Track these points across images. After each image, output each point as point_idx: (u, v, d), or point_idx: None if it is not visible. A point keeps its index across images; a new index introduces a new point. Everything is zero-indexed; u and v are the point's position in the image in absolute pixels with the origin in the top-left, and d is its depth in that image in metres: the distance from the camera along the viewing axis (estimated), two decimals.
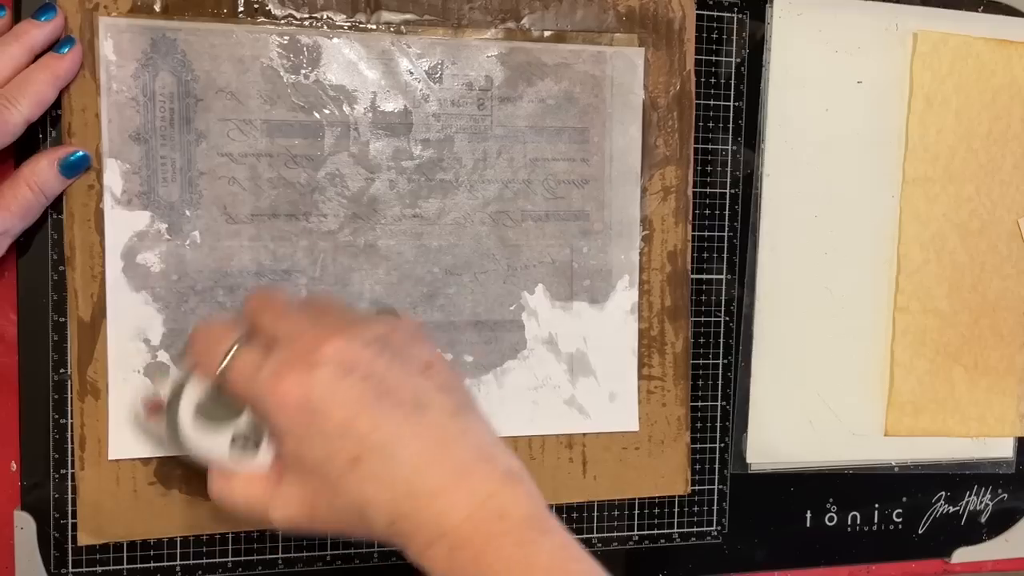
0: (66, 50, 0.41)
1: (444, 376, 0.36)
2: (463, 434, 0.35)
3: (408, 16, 0.46)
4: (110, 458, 0.44)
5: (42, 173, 0.41)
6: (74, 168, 0.42)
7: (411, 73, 0.46)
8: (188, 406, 0.37)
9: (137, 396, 0.40)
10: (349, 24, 0.45)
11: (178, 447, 0.38)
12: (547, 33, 0.48)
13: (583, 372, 0.49)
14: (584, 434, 0.50)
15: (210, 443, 0.37)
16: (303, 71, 0.45)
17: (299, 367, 0.34)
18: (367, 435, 0.33)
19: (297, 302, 0.39)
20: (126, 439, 0.44)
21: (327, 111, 0.45)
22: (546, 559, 0.33)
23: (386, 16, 0.46)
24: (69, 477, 0.44)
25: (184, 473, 0.45)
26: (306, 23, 0.45)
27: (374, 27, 0.46)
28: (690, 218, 0.51)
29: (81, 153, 0.42)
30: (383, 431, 0.34)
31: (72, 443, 0.43)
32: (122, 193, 0.43)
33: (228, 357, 0.36)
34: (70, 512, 0.44)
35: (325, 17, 0.45)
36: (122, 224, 0.43)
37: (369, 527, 0.34)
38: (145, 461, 0.44)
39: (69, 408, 0.43)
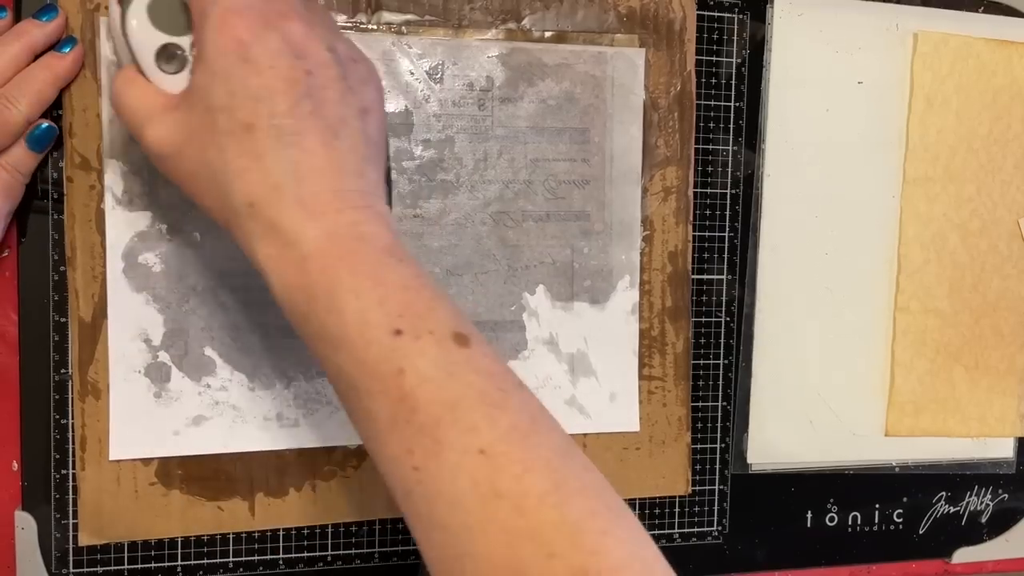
0: (67, 50, 0.41)
1: (374, 128, 0.36)
2: (357, 175, 0.34)
3: (409, 16, 0.46)
4: (111, 458, 0.44)
5: (11, 151, 0.40)
6: (40, 140, 0.41)
7: (412, 73, 0.46)
8: (141, 3, 0.36)
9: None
10: (350, 24, 0.45)
11: (116, 31, 0.37)
12: (548, 33, 0.48)
13: (584, 372, 0.49)
14: (585, 434, 0.49)
15: (144, 39, 0.36)
16: None
17: (260, 17, 0.33)
18: (274, 114, 0.33)
19: None
20: (127, 439, 0.44)
21: None
22: (398, 278, 0.32)
23: (387, 16, 0.46)
24: (70, 477, 0.43)
25: (185, 474, 0.44)
26: None
27: (375, 27, 0.45)
28: (691, 218, 0.50)
29: (46, 125, 0.41)
30: (290, 121, 0.33)
31: (73, 443, 0.43)
32: (123, 193, 0.43)
33: None
34: (71, 512, 0.44)
35: None
36: (123, 224, 0.43)
37: (223, 199, 0.33)
38: (146, 462, 0.44)
39: (70, 408, 0.43)
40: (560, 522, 0.29)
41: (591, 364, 0.49)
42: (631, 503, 0.51)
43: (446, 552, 0.30)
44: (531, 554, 0.28)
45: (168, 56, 0.36)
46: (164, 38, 0.36)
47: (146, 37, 0.36)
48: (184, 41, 0.36)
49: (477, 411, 0.30)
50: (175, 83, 0.36)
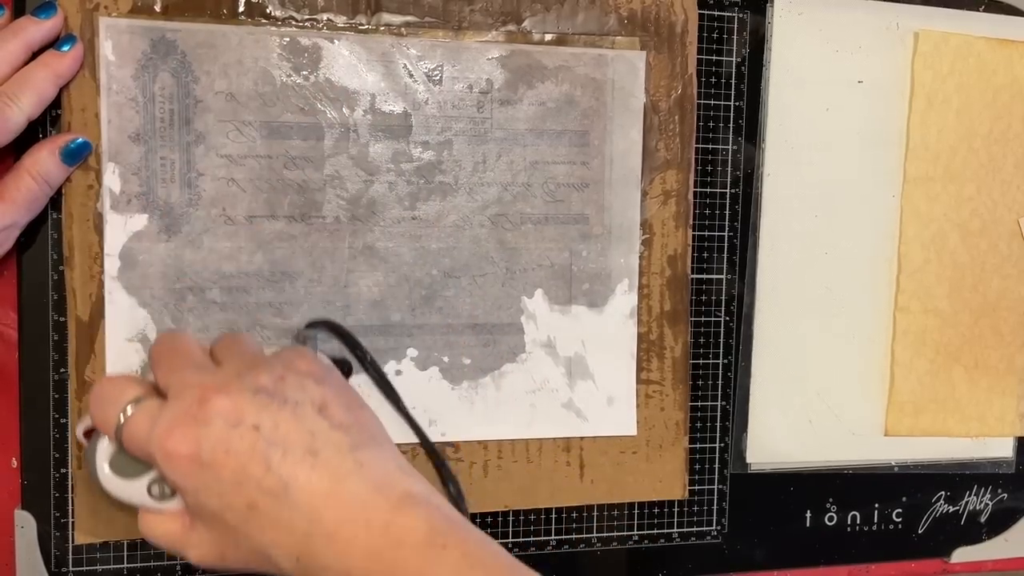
0: (67, 48, 0.40)
1: (340, 414, 0.36)
2: (358, 469, 0.35)
3: (409, 18, 0.45)
4: None
5: (44, 163, 0.40)
6: (75, 155, 0.41)
7: (411, 75, 0.45)
8: (103, 460, 0.37)
9: (78, 426, 0.40)
10: (349, 26, 0.44)
11: (103, 489, 0.38)
12: (548, 36, 0.47)
13: (581, 376, 0.48)
14: (582, 438, 0.49)
15: (129, 491, 0.37)
16: (303, 73, 0.44)
17: (186, 423, 0.34)
18: (260, 481, 0.33)
19: (195, 346, 0.38)
20: None
21: (327, 113, 0.44)
22: (447, 573, 0.33)
23: (386, 18, 0.45)
24: (69, 476, 0.43)
25: None
26: (306, 25, 0.44)
27: (374, 29, 0.45)
28: (690, 222, 0.50)
29: (81, 140, 0.41)
30: (275, 476, 0.34)
31: (70, 442, 0.43)
32: (121, 193, 0.42)
33: (123, 415, 0.35)
34: (71, 511, 0.43)
35: (325, 19, 0.44)
36: (121, 224, 0.42)
37: (278, 567, 0.35)
38: None
39: (69, 407, 0.43)
40: None
41: (589, 368, 0.48)
42: (630, 503, 0.50)
43: None
44: None
45: (155, 491, 0.37)
46: (142, 482, 0.36)
47: (128, 489, 0.37)
48: (156, 473, 0.36)
49: None
50: (179, 503, 0.36)
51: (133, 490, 0.37)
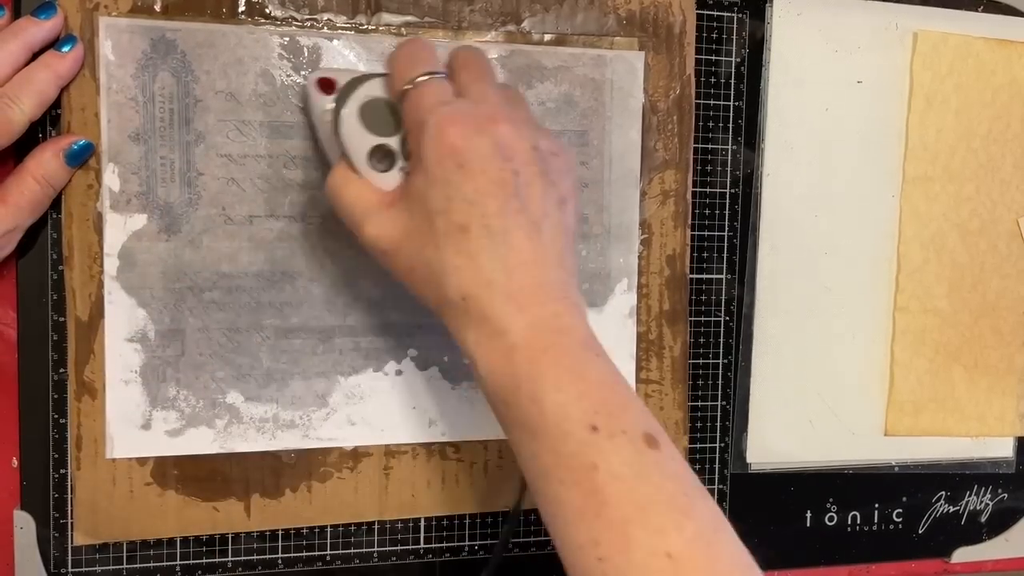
0: (67, 49, 0.40)
1: (571, 217, 0.37)
2: (558, 266, 0.36)
3: (409, 18, 0.45)
4: (106, 458, 0.43)
5: (47, 165, 0.40)
6: (78, 156, 0.41)
7: None
8: (357, 100, 0.38)
9: (312, 74, 0.40)
10: (349, 26, 0.44)
11: (325, 133, 0.39)
12: (547, 36, 0.47)
13: None
14: None
15: (356, 140, 0.38)
16: (303, 72, 0.44)
17: (472, 124, 0.35)
18: (487, 215, 0.34)
19: (495, 78, 0.40)
20: (123, 439, 0.43)
21: None
22: (596, 376, 0.34)
23: (387, 18, 0.45)
24: (69, 477, 0.42)
25: (180, 474, 0.44)
26: (306, 24, 0.44)
27: (374, 29, 0.44)
28: (689, 222, 0.49)
29: (84, 141, 0.41)
30: (501, 220, 0.35)
31: (68, 443, 0.42)
32: (121, 193, 0.42)
33: (423, 78, 0.37)
34: (70, 512, 0.43)
35: (325, 19, 0.44)
36: (120, 224, 0.42)
37: (439, 291, 0.35)
38: (141, 462, 0.43)
39: (69, 407, 0.42)
40: None
41: None
42: None
43: None
44: None
45: (380, 155, 0.38)
46: (376, 139, 0.38)
47: (359, 139, 0.38)
48: (393, 141, 0.38)
49: (665, 515, 0.31)
50: (387, 180, 0.37)
51: (361, 142, 0.37)
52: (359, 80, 0.39)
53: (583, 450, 0.32)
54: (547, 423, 0.33)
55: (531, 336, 0.34)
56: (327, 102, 0.39)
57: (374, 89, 0.38)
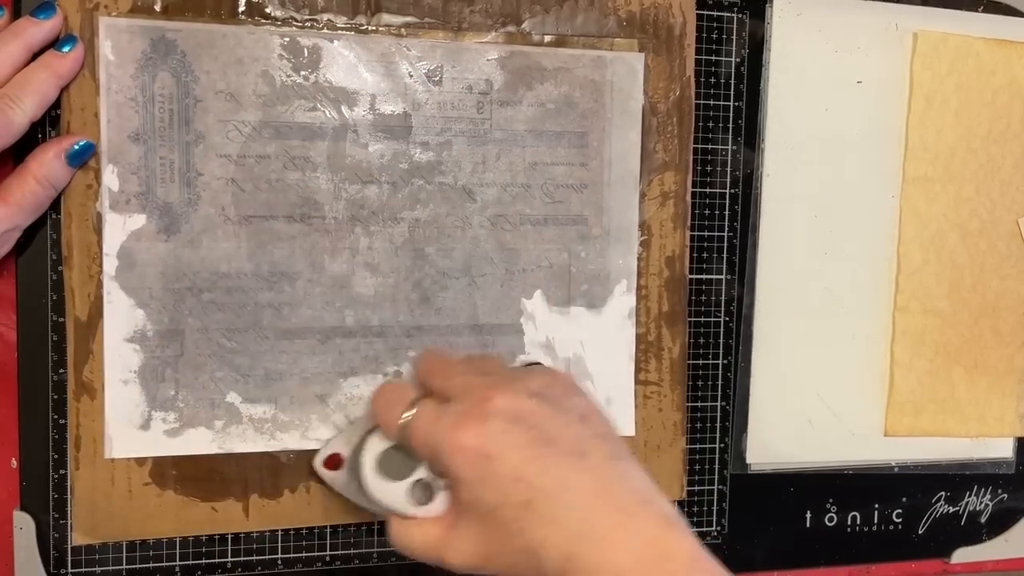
0: (68, 49, 0.40)
1: (600, 424, 0.37)
2: (622, 479, 0.35)
3: (408, 19, 0.45)
4: (105, 458, 0.42)
5: (49, 166, 0.40)
6: (79, 157, 0.41)
7: (411, 76, 0.45)
8: (370, 459, 0.39)
9: (317, 457, 0.43)
10: (349, 26, 0.44)
11: (357, 496, 0.41)
12: (547, 37, 0.46)
13: (580, 376, 0.48)
14: None
15: (390, 493, 0.38)
16: (303, 73, 0.43)
17: (474, 418, 0.35)
18: (536, 479, 0.34)
19: (459, 359, 0.41)
20: (122, 439, 0.42)
21: (326, 113, 0.44)
22: None
23: (386, 19, 0.44)
24: (68, 477, 0.42)
25: (179, 474, 0.43)
26: (306, 25, 0.43)
27: (374, 29, 0.44)
28: (688, 223, 0.49)
29: (85, 142, 0.41)
30: (551, 475, 0.34)
31: (67, 443, 0.42)
32: (120, 193, 0.42)
33: (408, 413, 0.38)
34: (70, 512, 0.42)
35: (325, 19, 0.44)
36: (120, 224, 0.42)
37: (541, 568, 0.34)
38: (140, 462, 0.43)
39: (68, 408, 0.42)
40: None
41: (587, 368, 0.48)
42: None
43: None
44: None
45: (418, 491, 0.38)
46: (406, 483, 0.38)
47: (392, 492, 0.38)
48: (420, 472, 0.38)
49: None
50: (438, 506, 0.38)
51: (395, 493, 0.38)
52: (358, 446, 0.40)
53: None
54: None
55: (641, 572, 0.33)
56: (341, 477, 0.42)
57: (376, 445, 0.39)
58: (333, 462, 0.43)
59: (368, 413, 0.41)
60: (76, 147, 0.40)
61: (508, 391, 0.36)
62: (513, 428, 0.35)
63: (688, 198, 0.49)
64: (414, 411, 0.37)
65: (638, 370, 0.49)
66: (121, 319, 0.42)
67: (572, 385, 0.39)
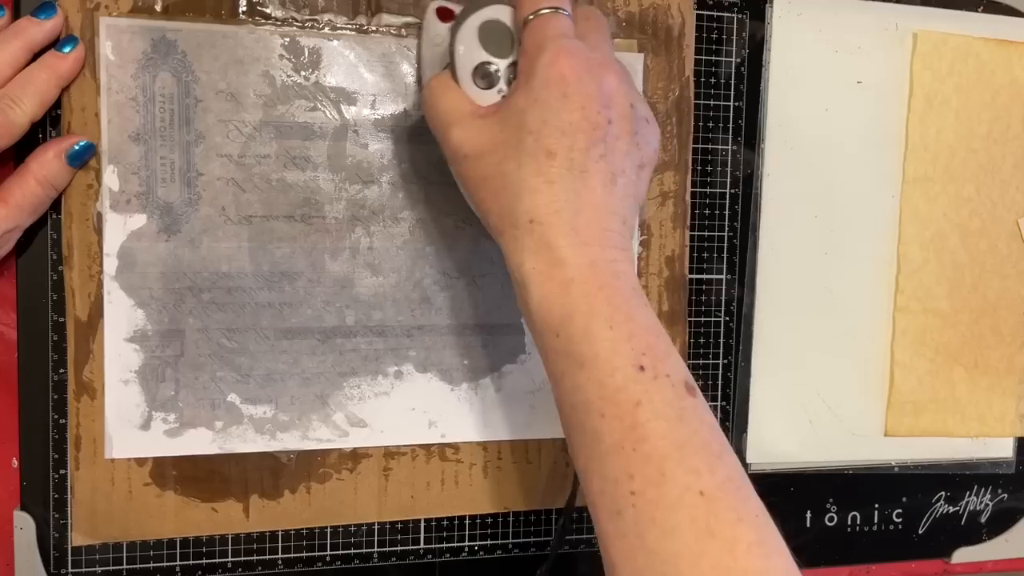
0: (68, 49, 0.40)
1: (643, 183, 0.39)
2: (622, 220, 0.37)
3: (409, 19, 0.44)
4: (105, 459, 0.42)
5: (49, 166, 0.39)
6: (80, 157, 0.40)
7: (411, 75, 0.44)
8: (481, 18, 0.39)
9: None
10: (350, 26, 0.44)
11: (436, 55, 0.41)
12: None
13: None
14: None
15: (470, 55, 0.39)
16: (303, 73, 0.43)
17: (585, 62, 0.36)
18: (574, 148, 0.35)
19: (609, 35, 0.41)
20: (122, 440, 0.42)
21: (327, 113, 0.43)
22: (644, 320, 0.35)
23: (387, 19, 0.44)
24: (68, 477, 0.42)
25: (179, 475, 0.43)
26: (307, 25, 0.43)
27: (375, 29, 0.44)
28: (688, 223, 0.49)
29: (85, 142, 0.40)
30: (584, 158, 0.35)
31: (67, 443, 0.42)
32: (121, 193, 0.42)
33: (549, 10, 0.37)
34: (70, 512, 0.42)
35: (326, 19, 0.43)
36: (120, 224, 0.42)
37: (507, 207, 0.36)
38: (140, 462, 0.43)
39: (68, 408, 0.42)
40: (763, 571, 0.31)
41: None
42: None
43: (650, 573, 0.32)
44: None
45: (483, 73, 0.38)
46: (485, 56, 0.39)
47: (472, 53, 0.39)
48: (500, 63, 0.39)
49: (700, 456, 0.32)
50: (485, 97, 0.38)
51: (473, 56, 0.38)
52: (482, 2, 0.40)
53: (628, 386, 0.33)
54: (597, 357, 0.33)
55: (589, 273, 0.34)
56: (443, 28, 0.41)
57: (497, 12, 0.39)
58: (444, 14, 0.41)
59: None
60: (76, 147, 0.40)
61: (624, 84, 0.37)
62: (599, 104, 0.36)
63: (688, 198, 0.49)
64: (555, 12, 0.37)
65: None
66: (121, 319, 0.42)
67: (656, 140, 0.39)
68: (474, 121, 0.37)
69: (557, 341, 0.35)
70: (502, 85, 0.38)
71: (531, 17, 0.38)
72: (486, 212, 0.37)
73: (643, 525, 0.32)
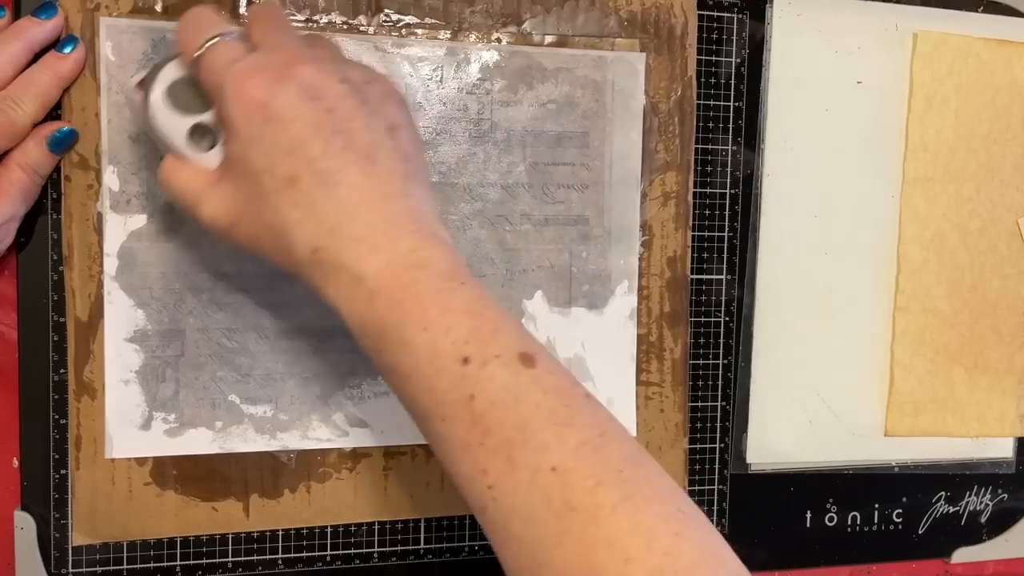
0: (69, 50, 0.39)
1: (406, 143, 0.35)
2: (403, 196, 0.34)
3: (409, 19, 0.44)
4: (106, 458, 0.42)
5: (31, 153, 0.39)
6: (61, 143, 0.40)
7: (412, 75, 0.44)
8: (162, 84, 0.36)
9: (133, 77, 0.39)
10: (350, 26, 0.43)
11: (146, 123, 0.37)
12: (548, 38, 0.46)
13: (581, 377, 0.47)
14: None
15: (172, 125, 0.36)
16: None
17: (270, 73, 0.33)
18: (312, 160, 0.32)
19: (295, 25, 0.38)
20: (122, 439, 0.42)
21: None
22: (462, 304, 0.32)
23: (387, 18, 0.44)
24: (69, 477, 0.42)
25: (179, 474, 0.43)
26: (308, 25, 0.43)
27: (375, 29, 0.44)
28: (690, 224, 0.48)
29: (67, 128, 0.40)
30: (328, 162, 0.32)
31: (68, 443, 0.41)
32: (121, 193, 0.41)
33: (209, 43, 0.34)
34: (70, 512, 0.42)
35: (327, 19, 0.43)
36: (120, 224, 0.41)
37: (289, 253, 0.33)
38: (140, 462, 0.42)
39: (69, 408, 0.41)
40: (634, 529, 0.29)
41: (588, 369, 0.47)
42: None
43: (523, 562, 0.30)
44: (607, 560, 0.28)
45: (199, 135, 0.36)
46: (189, 119, 0.36)
47: (174, 123, 0.36)
48: (208, 117, 0.36)
49: (547, 430, 0.30)
50: (212, 158, 0.35)
51: (176, 126, 0.35)
52: (159, 64, 0.37)
53: (457, 384, 0.31)
54: (419, 364, 0.31)
55: (389, 277, 0.32)
56: (140, 101, 0.37)
57: (174, 70, 0.36)
58: (140, 86, 0.38)
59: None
60: (57, 134, 0.39)
61: (324, 65, 0.34)
62: (308, 102, 0.32)
63: (689, 198, 0.48)
64: (215, 41, 0.34)
65: (639, 371, 0.48)
66: (122, 319, 0.42)
67: (393, 93, 0.36)
68: (213, 190, 0.35)
69: (380, 358, 0.33)
70: (222, 132, 0.35)
71: (197, 56, 0.35)
72: (276, 264, 0.35)
73: (507, 516, 0.30)
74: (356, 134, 0.33)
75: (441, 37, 0.44)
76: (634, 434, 0.48)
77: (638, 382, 0.48)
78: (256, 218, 0.33)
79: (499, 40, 0.45)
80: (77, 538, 0.42)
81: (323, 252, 0.32)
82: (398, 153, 0.34)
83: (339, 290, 0.33)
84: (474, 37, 0.45)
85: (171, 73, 0.36)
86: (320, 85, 0.33)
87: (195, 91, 0.36)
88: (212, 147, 0.35)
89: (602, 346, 0.47)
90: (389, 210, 0.33)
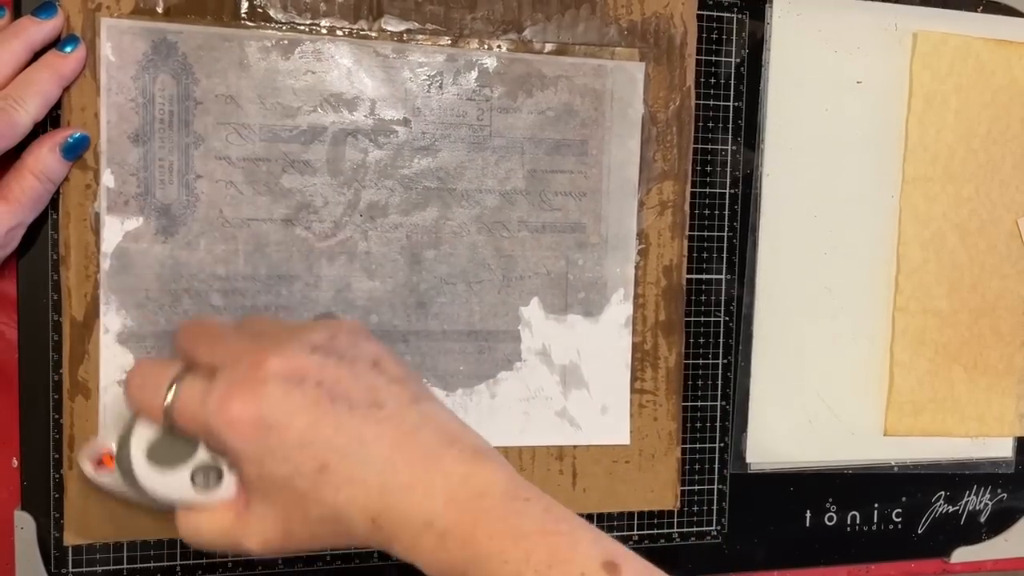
0: (70, 49, 0.38)
1: (394, 369, 0.33)
2: (424, 422, 0.32)
3: (410, 25, 0.42)
4: None
5: (45, 160, 0.37)
6: (75, 149, 0.38)
7: (411, 81, 0.42)
8: (139, 452, 0.33)
9: (81, 454, 0.35)
10: (351, 31, 0.41)
11: (138, 494, 0.34)
12: (548, 46, 0.44)
13: (576, 384, 0.45)
14: (575, 446, 0.45)
15: (170, 484, 0.33)
16: (303, 77, 0.41)
17: (246, 386, 0.31)
18: (330, 439, 0.30)
19: (229, 326, 0.35)
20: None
21: (326, 117, 0.41)
22: (534, 525, 0.30)
23: (388, 24, 0.42)
24: (64, 477, 0.40)
25: None
26: (308, 29, 0.41)
27: (376, 35, 0.42)
28: (687, 233, 0.47)
29: (79, 134, 0.38)
30: (345, 432, 0.30)
31: (62, 442, 0.40)
32: (119, 194, 0.39)
33: (171, 393, 0.32)
34: (65, 512, 0.40)
35: (327, 24, 0.41)
36: (117, 225, 0.40)
37: (350, 532, 0.31)
38: None
39: (65, 408, 0.40)
40: None
41: (583, 376, 0.45)
42: (621, 515, 0.47)
43: None
44: None
45: (201, 477, 0.32)
46: (186, 470, 0.32)
47: (173, 483, 0.33)
48: (202, 456, 0.32)
49: None
50: (226, 491, 0.32)
51: (175, 482, 0.32)
52: (124, 437, 0.33)
53: None
54: None
55: (455, 514, 0.30)
56: (117, 479, 0.34)
57: (144, 433, 0.33)
58: (102, 460, 0.35)
59: (126, 401, 0.34)
60: (71, 140, 0.38)
61: (284, 350, 0.31)
62: (294, 390, 0.30)
63: (687, 207, 0.46)
64: (174, 389, 0.32)
65: (634, 379, 0.46)
66: (117, 320, 0.40)
67: (359, 330, 0.34)
68: (249, 520, 0.32)
69: None
70: (222, 462, 0.32)
71: (167, 411, 0.32)
72: (342, 546, 0.33)
73: None
74: (352, 391, 0.31)
75: (442, 43, 0.43)
76: (628, 442, 0.46)
77: (632, 390, 0.46)
78: (304, 518, 0.31)
79: (499, 47, 0.43)
80: (68, 538, 0.40)
81: (382, 516, 0.30)
82: (395, 384, 0.32)
83: (412, 543, 0.30)
84: (475, 44, 0.43)
85: (142, 437, 0.33)
86: (295, 368, 0.31)
87: (172, 440, 0.33)
88: (219, 479, 0.32)
89: (597, 353, 0.45)
90: (421, 444, 0.31)
